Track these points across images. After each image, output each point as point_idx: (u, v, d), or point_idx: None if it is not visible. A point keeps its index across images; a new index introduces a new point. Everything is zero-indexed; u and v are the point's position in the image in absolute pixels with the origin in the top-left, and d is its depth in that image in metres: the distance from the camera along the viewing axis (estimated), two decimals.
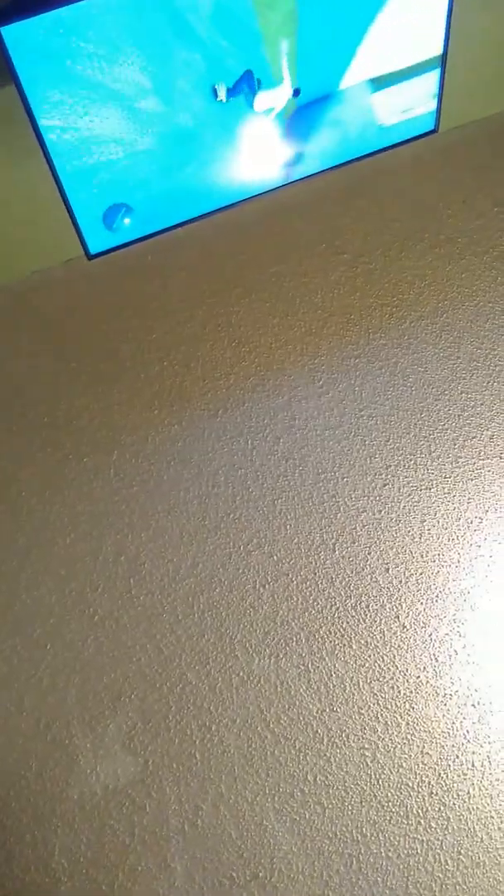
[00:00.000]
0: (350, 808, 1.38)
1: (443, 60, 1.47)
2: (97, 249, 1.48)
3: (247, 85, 1.32)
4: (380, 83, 1.45)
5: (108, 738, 1.43)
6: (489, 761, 1.39)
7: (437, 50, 1.44)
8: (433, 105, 1.54)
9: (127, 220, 1.46)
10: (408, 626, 1.48)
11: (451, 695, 1.43)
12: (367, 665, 1.45)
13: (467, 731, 1.41)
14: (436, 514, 1.55)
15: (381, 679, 1.45)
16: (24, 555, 1.55)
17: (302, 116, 1.43)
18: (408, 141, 1.59)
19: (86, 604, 1.52)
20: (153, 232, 1.52)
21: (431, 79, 1.49)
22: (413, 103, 1.52)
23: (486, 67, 1.80)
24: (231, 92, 1.32)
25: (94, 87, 1.22)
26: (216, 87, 1.30)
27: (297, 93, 1.37)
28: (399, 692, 1.44)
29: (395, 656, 1.46)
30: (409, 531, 1.54)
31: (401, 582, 1.51)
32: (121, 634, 1.49)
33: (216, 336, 1.73)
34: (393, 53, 1.41)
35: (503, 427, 1.61)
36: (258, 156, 1.47)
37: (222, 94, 1.31)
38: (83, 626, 1.50)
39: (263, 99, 1.35)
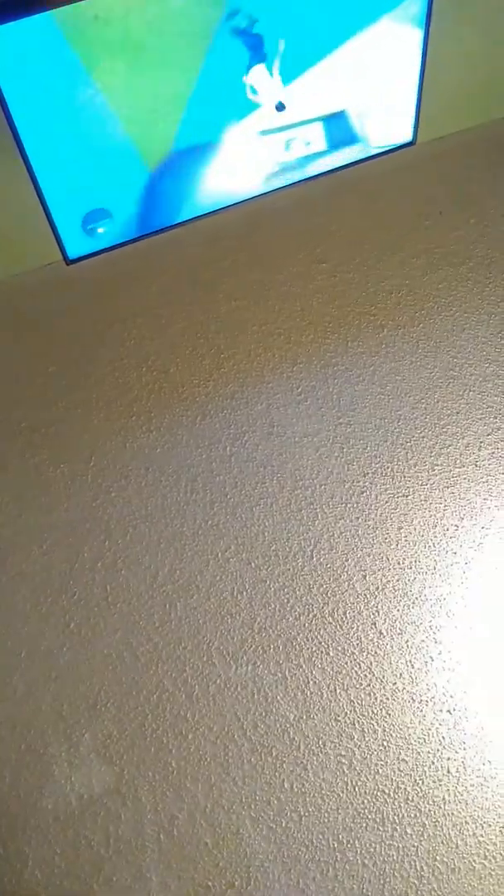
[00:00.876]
0: (326, 815, 1.38)
1: (421, 73, 1.49)
2: (76, 254, 1.48)
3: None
4: (359, 95, 1.47)
5: (84, 747, 1.41)
6: (464, 767, 1.40)
7: (415, 66, 1.46)
8: (411, 117, 1.56)
9: (106, 228, 1.46)
10: (384, 633, 1.49)
11: (426, 701, 1.44)
12: (343, 672, 1.46)
13: (443, 737, 1.42)
14: (412, 521, 1.57)
15: (357, 686, 1.45)
16: None
17: (281, 126, 1.44)
18: (386, 153, 1.61)
19: (61, 611, 1.50)
20: (133, 238, 1.51)
21: (410, 92, 1.51)
22: (391, 116, 1.54)
23: (463, 80, 1.83)
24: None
25: (75, 91, 1.21)
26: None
27: (280, 107, 1.38)
28: (376, 699, 1.44)
29: (371, 663, 1.47)
30: (386, 538, 1.55)
31: (378, 588, 1.52)
32: (97, 642, 1.48)
33: (195, 342, 1.73)
34: (371, 67, 1.43)
35: (479, 436, 1.63)
36: (239, 164, 1.47)
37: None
38: (58, 634, 1.48)
39: (256, 73, 1.31)
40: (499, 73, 1.85)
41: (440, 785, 1.40)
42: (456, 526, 1.56)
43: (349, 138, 1.54)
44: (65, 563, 1.53)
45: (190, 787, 1.39)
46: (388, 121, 1.54)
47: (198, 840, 1.36)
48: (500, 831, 1.38)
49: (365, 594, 1.51)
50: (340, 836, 1.37)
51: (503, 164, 1.91)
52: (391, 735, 1.42)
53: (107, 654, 1.47)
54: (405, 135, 1.59)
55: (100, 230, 1.45)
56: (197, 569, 1.53)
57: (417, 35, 1.42)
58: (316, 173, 1.57)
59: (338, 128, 1.51)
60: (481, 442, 1.63)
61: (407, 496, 1.59)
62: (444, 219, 1.85)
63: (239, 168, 1.48)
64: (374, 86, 1.47)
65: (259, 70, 1.33)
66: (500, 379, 1.68)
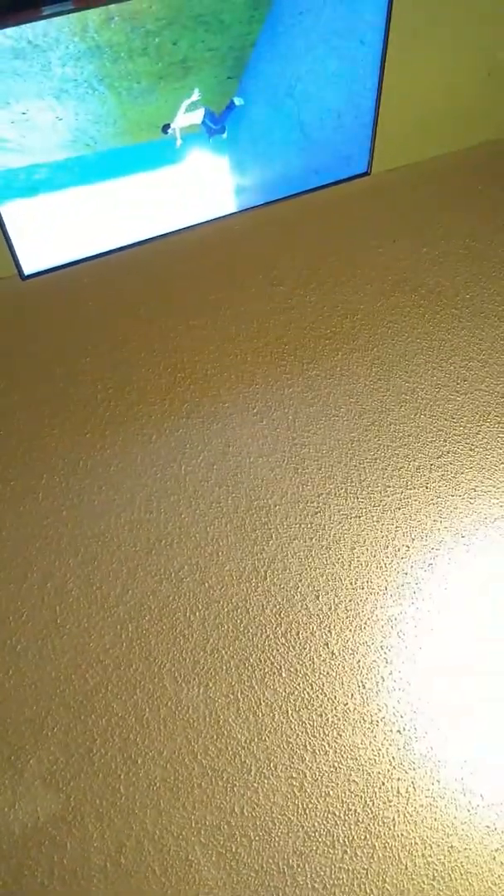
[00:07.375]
0: (277, 839, 1.36)
1: (375, 107, 1.54)
2: (32, 270, 1.46)
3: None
4: (314, 124, 1.51)
5: (29, 773, 1.37)
6: (413, 787, 1.41)
7: (370, 99, 1.51)
8: (366, 149, 1.61)
9: (64, 242, 1.45)
10: (336, 654, 1.49)
11: (377, 721, 1.45)
12: (296, 693, 1.46)
13: (393, 758, 1.43)
14: (365, 541, 1.59)
15: (309, 707, 1.45)
16: None
17: (238, 151, 1.47)
18: (341, 181, 1.65)
19: (9, 632, 1.46)
20: (90, 256, 1.51)
21: (365, 123, 1.56)
22: (347, 146, 1.58)
23: (416, 114, 1.90)
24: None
25: (24, 100, 1.21)
26: None
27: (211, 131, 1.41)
28: (327, 720, 1.44)
29: (323, 683, 1.47)
30: (339, 558, 1.57)
31: (330, 609, 1.52)
32: (45, 665, 1.44)
33: (152, 361, 1.72)
34: (325, 98, 1.47)
35: (429, 458, 1.67)
36: (197, 186, 1.49)
37: None
38: (5, 656, 1.44)
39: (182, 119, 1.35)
40: (451, 109, 1.93)
41: (390, 806, 1.40)
42: (407, 546, 1.59)
43: (306, 167, 1.57)
44: (13, 583, 1.50)
45: (138, 814, 1.36)
46: (344, 151, 1.59)
47: (146, 868, 1.33)
48: (448, 851, 1.39)
49: (318, 614, 1.52)
50: (291, 861, 1.35)
51: (454, 196, 1.99)
52: (342, 756, 1.42)
53: (55, 678, 1.43)
54: (360, 165, 1.64)
55: (58, 245, 1.44)
56: (150, 589, 1.51)
57: (373, 70, 1.47)
58: (272, 199, 1.60)
59: (295, 156, 1.54)
60: (432, 464, 1.66)
61: (360, 517, 1.61)
62: (398, 247, 1.90)
63: (197, 190, 1.50)
64: (331, 119, 1.51)
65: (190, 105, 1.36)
66: (449, 403, 1.72)
